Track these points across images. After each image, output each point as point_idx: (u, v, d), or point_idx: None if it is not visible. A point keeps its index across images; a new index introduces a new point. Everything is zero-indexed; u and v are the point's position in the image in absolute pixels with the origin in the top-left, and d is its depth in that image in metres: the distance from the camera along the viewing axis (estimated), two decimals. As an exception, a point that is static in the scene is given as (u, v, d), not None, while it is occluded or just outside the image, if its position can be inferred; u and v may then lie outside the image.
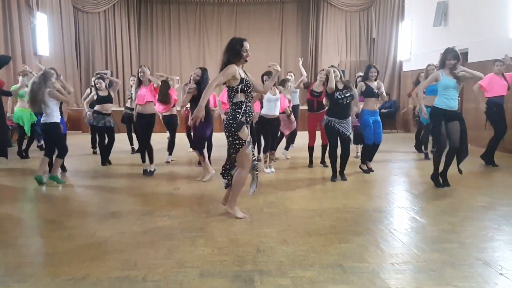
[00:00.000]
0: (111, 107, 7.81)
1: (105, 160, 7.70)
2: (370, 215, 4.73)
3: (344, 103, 6.23)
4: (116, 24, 16.12)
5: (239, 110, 4.34)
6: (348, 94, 6.22)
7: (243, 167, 4.46)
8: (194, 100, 6.28)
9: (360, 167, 7.04)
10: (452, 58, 5.69)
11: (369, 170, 6.99)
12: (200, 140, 6.46)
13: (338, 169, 6.47)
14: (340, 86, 6.26)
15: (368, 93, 6.75)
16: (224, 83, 4.38)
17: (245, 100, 4.37)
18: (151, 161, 6.88)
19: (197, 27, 17.19)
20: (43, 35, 12.87)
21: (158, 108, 7.56)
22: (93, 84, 8.33)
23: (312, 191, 5.88)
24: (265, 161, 7.04)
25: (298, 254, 3.59)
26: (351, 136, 6.38)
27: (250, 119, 4.44)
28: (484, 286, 3.02)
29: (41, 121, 6.21)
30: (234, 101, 4.38)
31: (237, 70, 4.31)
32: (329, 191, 5.90)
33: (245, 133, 4.37)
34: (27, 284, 3.08)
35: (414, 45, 13.61)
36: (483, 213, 4.83)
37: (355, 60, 16.71)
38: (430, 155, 7.91)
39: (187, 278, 3.15)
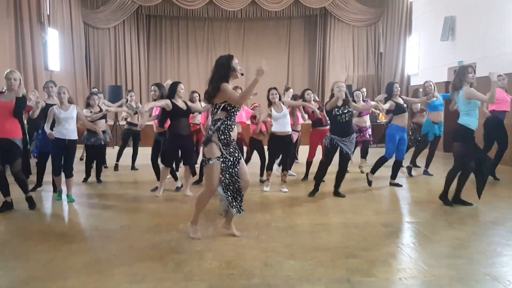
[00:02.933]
0: (103, 124, 7.67)
1: (89, 176, 7.51)
2: (378, 230, 4.72)
3: (343, 120, 6.00)
4: (125, 40, 16.33)
5: (212, 127, 4.23)
6: (346, 111, 5.99)
7: (206, 186, 4.39)
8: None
9: (367, 174, 7.07)
10: (472, 71, 5.51)
11: (396, 184, 7.00)
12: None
13: (319, 185, 6.45)
14: (340, 103, 6.05)
15: (398, 110, 6.75)
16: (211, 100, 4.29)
17: (224, 119, 4.20)
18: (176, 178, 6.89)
19: (205, 42, 17.37)
20: (54, 51, 13.07)
21: None
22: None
23: (319, 206, 5.88)
24: (267, 179, 6.87)
25: (305, 269, 3.60)
26: (352, 156, 6.21)
27: (223, 137, 4.20)
28: (492, 302, 3.01)
29: (70, 138, 6.05)
30: (214, 118, 4.28)
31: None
32: (336, 205, 5.89)
33: (211, 151, 4.20)
34: (37, 297, 3.12)
35: (421, 60, 13.65)
36: (491, 228, 4.81)
37: (363, 75, 16.76)
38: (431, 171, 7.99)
39: (194, 292, 3.17)
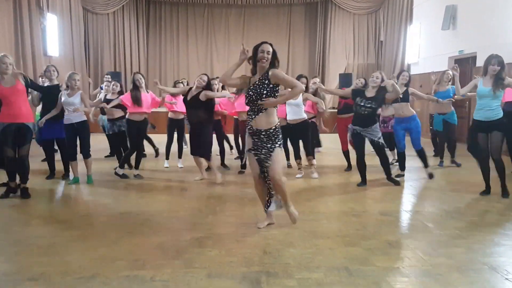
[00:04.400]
0: (121, 112, 7.46)
1: (123, 165, 7.18)
2: (377, 219, 4.75)
3: (362, 112, 5.98)
4: (125, 26, 16.25)
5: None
6: (369, 105, 5.93)
7: None
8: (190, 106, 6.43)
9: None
10: (496, 63, 5.34)
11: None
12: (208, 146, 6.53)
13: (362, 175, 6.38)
14: (369, 94, 6.03)
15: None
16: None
17: (249, 110, 4.16)
18: (137, 167, 6.85)
19: (205, 29, 17.29)
20: (53, 36, 13.00)
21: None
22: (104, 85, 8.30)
23: (319, 194, 5.91)
24: (299, 168, 6.92)
25: (304, 257, 3.62)
26: (382, 141, 6.13)
27: (248, 127, 4.11)
28: (490, 291, 3.04)
29: (77, 121, 6.22)
30: None
31: (248, 80, 4.17)
32: (336, 194, 5.92)
33: (246, 141, 4.23)
34: (38, 282, 3.14)
35: (422, 49, 13.59)
36: (490, 218, 4.85)
37: (363, 63, 16.70)
38: (445, 163, 7.87)
39: (195, 279, 3.20)
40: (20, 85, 5.40)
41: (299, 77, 6.81)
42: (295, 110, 6.64)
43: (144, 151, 7.11)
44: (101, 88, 9.89)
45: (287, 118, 6.70)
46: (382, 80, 6.09)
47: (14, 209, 5.12)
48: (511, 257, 3.66)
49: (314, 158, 7.00)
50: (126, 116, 6.82)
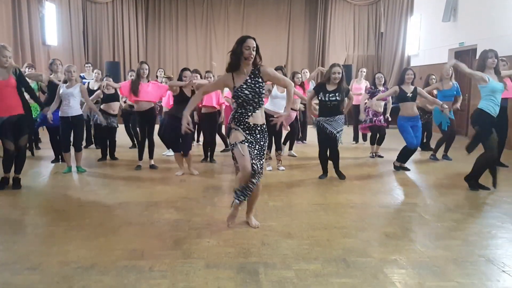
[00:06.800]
0: (118, 106, 7.67)
1: (105, 157, 7.57)
2: (375, 211, 4.76)
3: (328, 105, 5.94)
4: (124, 15, 16.13)
5: (231, 117, 4.02)
6: (334, 98, 5.90)
7: (240, 170, 3.98)
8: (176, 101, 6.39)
9: (394, 164, 6.94)
10: (494, 56, 5.36)
11: (404, 168, 6.86)
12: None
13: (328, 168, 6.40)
14: (331, 88, 5.94)
15: (401, 98, 6.60)
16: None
17: (236, 107, 3.97)
18: (151, 157, 6.91)
19: (204, 19, 17.15)
20: (51, 25, 12.92)
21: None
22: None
23: (317, 186, 5.91)
24: (266, 159, 6.82)
25: (302, 248, 3.63)
26: (340, 136, 6.05)
27: (242, 126, 3.90)
28: (486, 283, 3.05)
29: (73, 115, 6.31)
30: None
31: (231, 79, 3.92)
32: (334, 186, 5.92)
33: (233, 136, 3.94)
34: (36, 271, 3.14)
35: (422, 40, 13.55)
36: (487, 210, 4.86)
37: (363, 55, 16.64)
38: (438, 156, 7.85)
39: (193, 269, 3.21)
40: (12, 79, 5.35)
41: (276, 69, 6.73)
42: (280, 103, 6.56)
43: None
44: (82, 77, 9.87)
45: (268, 108, 6.47)
46: (343, 74, 5.99)
47: (11, 199, 5.12)
48: (507, 249, 3.67)
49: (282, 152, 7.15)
50: (135, 108, 6.78)
